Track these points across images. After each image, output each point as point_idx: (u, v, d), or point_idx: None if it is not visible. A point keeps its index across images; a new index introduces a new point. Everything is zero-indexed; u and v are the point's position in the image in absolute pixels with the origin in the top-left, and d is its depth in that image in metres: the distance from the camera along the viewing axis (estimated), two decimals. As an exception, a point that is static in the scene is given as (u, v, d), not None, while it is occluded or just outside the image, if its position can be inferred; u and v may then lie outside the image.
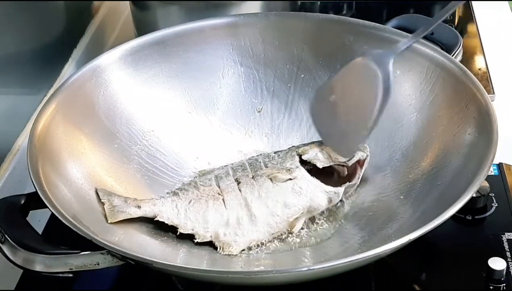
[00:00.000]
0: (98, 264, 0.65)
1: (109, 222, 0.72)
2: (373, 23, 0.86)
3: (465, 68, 0.78)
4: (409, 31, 0.85)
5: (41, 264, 0.65)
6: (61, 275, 0.65)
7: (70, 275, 0.65)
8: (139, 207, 0.73)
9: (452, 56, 0.82)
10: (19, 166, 0.87)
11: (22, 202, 0.71)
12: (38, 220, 0.77)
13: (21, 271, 0.74)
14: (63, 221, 0.64)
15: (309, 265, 0.62)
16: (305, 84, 0.87)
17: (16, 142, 0.91)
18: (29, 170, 0.69)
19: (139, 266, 0.64)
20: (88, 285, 0.74)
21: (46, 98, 0.81)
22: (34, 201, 0.69)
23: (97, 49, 1.11)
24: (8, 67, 0.91)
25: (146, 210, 0.74)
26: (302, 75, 0.88)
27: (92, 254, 0.64)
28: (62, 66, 1.04)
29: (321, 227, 0.76)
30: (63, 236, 0.64)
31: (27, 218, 0.70)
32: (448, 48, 0.84)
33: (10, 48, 0.92)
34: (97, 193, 0.74)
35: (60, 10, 1.07)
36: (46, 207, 0.66)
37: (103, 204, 0.73)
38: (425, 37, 0.79)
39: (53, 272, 0.65)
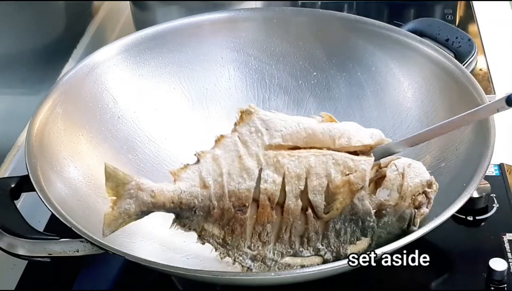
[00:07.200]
0: (77, 251, 0.64)
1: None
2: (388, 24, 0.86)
3: (463, 68, 0.78)
4: (426, 35, 0.84)
5: (22, 248, 0.64)
6: (40, 260, 0.65)
7: (48, 260, 0.65)
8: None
9: (465, 63, 0.82)
10: (19, 166, 0.87)
11: (13, 185, 0.70)
12: (38, 220, 0.77)
13: (21, 271, 0.75)
14: (58, 216, 0.64)
15: (309, 267, 0.62)
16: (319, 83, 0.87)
17: (16, 142, 0.91)
18: (27, 168, 0.68)
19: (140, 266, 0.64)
20: (88, 285, 0.73)
21: (45, 98, 0.81)
22: (27, 183, 0.68)
23: (97, 49, 1.10)
24: (8, 67, 0.91)
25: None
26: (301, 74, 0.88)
27: (72, 241, 0.64)
28: (62, 67, 1.04)
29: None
30: (63, 237, 0.64)
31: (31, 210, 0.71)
32: (461, 55, 0.84)
33: (10, 48, 0.92)
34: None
35: (60, 10, 1.07)
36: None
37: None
38: (438, 42, 0.79)
39: (32, 256, 0.65)
